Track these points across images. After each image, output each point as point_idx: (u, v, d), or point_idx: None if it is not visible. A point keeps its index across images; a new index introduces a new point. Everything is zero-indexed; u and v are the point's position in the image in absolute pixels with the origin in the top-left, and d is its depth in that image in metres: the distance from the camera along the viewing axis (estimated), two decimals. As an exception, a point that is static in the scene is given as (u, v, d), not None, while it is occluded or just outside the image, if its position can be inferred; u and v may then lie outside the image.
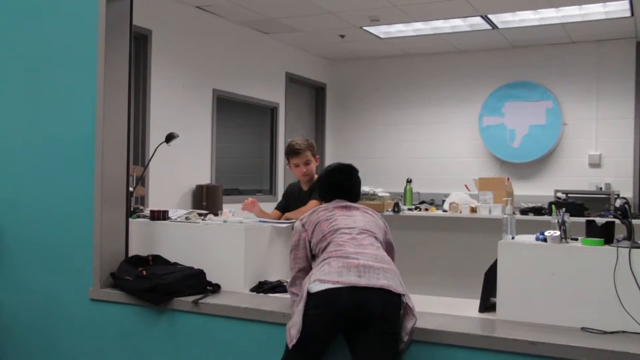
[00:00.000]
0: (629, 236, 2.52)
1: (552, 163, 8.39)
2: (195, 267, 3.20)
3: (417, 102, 9.18)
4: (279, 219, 4.01)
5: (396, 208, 5.85)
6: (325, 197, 2.89)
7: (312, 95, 9.57)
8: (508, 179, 6.33)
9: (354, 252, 2.52)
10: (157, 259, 3.31)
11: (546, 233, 2.63)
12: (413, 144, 9.19)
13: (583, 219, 2.82)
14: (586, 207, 5.33)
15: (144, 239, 3.46)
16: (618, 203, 2.67)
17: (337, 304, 2.41)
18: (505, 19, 7.31)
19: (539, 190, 8.13)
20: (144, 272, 3.11)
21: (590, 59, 8.16)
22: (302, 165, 3.92)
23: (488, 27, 7.57)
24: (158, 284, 3.02)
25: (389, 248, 2.76)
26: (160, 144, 4.30)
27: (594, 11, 6.88)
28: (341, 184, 2.86)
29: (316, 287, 2.44)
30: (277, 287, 3.18)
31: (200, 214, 3.62)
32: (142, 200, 5.95)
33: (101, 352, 3.28)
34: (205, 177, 7.13)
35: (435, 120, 9.04)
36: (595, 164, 8.15)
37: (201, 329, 2.97)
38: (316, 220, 2.71)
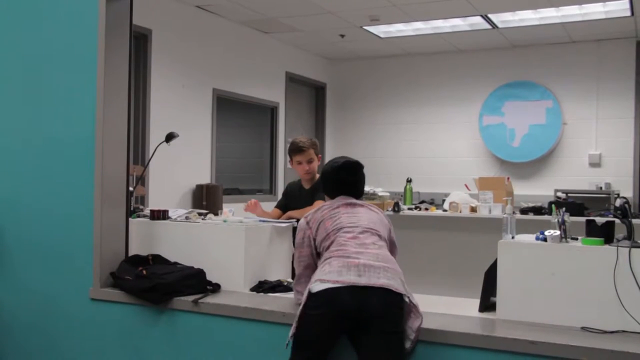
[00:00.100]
0: (629, 236, 2.52)
1: (552, 162, 8.39)
2: (195, 266, 3.20)
3: (417, 101, 9.19)
4: (279, 217, 4.02)
5: (396, 207, 5.85)
6: (330, 193, 2.87)
7: (312, 95, 9.57)
8: (508, 178, 6.33)
9: (355, 251, 2.52)
10: (157, 259, 3.31)
11: (546, 233, 2.63)
12: (413, 144, 9.19)
13: (583, 219, 2.82)
14: (586, 206, 5.33)
15: (144, 238, 3.46)
16: (618, 202, 2.67)
17: (337, 304, 2.41)
18: (505, 19, 7.31)
19: (539, 189, 8.13)
20: (144, 272, 3.11)
21: (590, 58, 8.16)
22: (305, 163, 3.95)
23: (488, 26, 7.57)
24: (158, 283, 3.02)
25: (391, 246, 2.75)
26: (160, 143, 4.30)
27: (594, 10, 6.88)
28: (346, 180, 2.84)
29: (317, 287, 2.44)
30: (277, 286, 3.18)
31: (200, 214, 3.62)
32: (142, 199, 5.95)
33: (101, 351, 3.28)
34: (205, 177, 7.13)
35: (435, 119, 9.04)
36: (595, 164, 8.15)
37: (201, 328, 2.97)
38: (320, 219, 2.70)
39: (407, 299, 2.45)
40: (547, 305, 2.57)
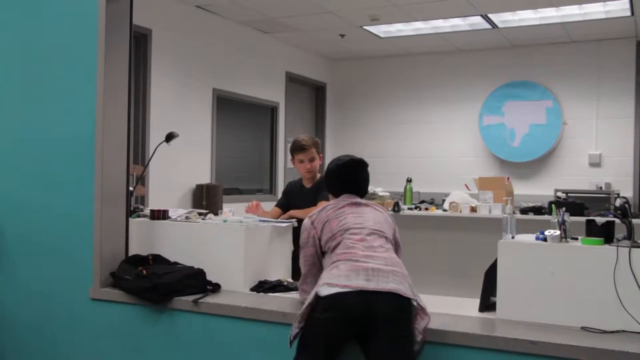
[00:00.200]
0: (629, 235, 2.52)
1: (552, 162, 8.39)
2: (195, 266, 3.20)
3: (417, 101, 9.18)
4: (279, 216, 4.03)
5: (396, 207, 5.85)
6: (334, 191, 2.87)
7: (312, 95, 9.56)
8: (508, 178, 6.34)
9: (364, 254, 2.50)
10: (157, 259, 3.31)
11: (546, 232, 2.63)
12: (413, 144, 9.19)
13: (583, 219, 2.82)
14: (586, 206, 5.34)
15: (144, 238, 3.46)
16: (618, 202, 2.67)
17: (345, 308, 2.39)
18: (505, 19, 7.31)
19: (539, 189, 8.13)
20: (144, 272, 3.11)
21: (590, 58, 8.16)
22: (307, 161, 3.97)
23: (488, 26, 7.57)
24: (158, 283, 3.02)
25: (396, 247, 2.74)
26: (160, 143, 4.30)
27: (594, 10, 6.88)
28: (350, 178, 2.83)
29: (325, 291, 2.42)
30: (277, 286, 3.18)
31: (200, 214, 3.62)
32: (142, 199, 5.95)
33: (101, 351, 3.29)
34: (205, 177, 7.13)
35: (435, 119, 9.04)
36: (596, 164, 8.15)
37: (201, 328, 2.97)
38: (325, 219, 2.69)
39: (415, 303, 2.44)
40: (547, 305, 2.57)
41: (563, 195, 6.09)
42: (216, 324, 2.93)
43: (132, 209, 3.65)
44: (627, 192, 7.79)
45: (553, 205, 2.92)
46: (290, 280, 3.31)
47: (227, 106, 7.57)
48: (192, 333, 2.99)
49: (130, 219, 3.46)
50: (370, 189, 5.86)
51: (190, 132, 6.69)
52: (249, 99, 7.92)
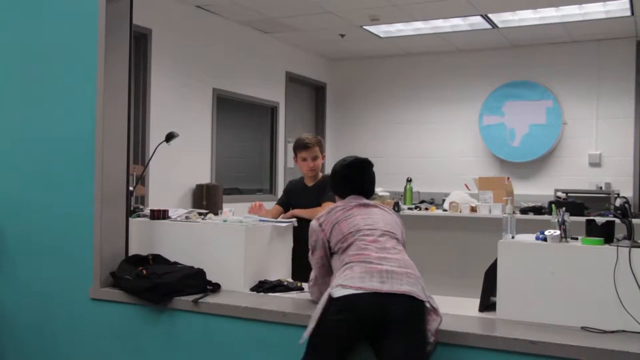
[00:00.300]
0: (629, 235, 2.52)
1: (552, 162, 8.39)
2: (195, 266, 3.20)
3: (417, 101, 9.18)
4: (280, 214, 4.04)
5: (396, 207, 5.86)
6: (339, 192, 2.86)
7: (312, 95, 9.56)
8: (508, 178, 6.34)
9: (377, 256, 2.49)
10: (157, 259, 3.31)
11: (546, 232, 2.63)
12: (413, 144, 9.19)
13: (583, 219, 2.82)
14: (586, 206, 5.34)
15: (144, 238, 3.46)
16: (618, 202, 2.67)
17: (359, 310, 2.38)
18: (505, 18, 7.31)
19: (539, 189, 8.13)
20: (144, 272, 3.11)
21: (591, 58, 8.16)
22: (310, 160, 3.98)
23: (488, 26, 7.57)
24: (158, 283, 3.01)
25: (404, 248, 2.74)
26: (160, 143, 4.30)
27: (594, 10, 6.88)
28: (355, 178, 2.83)
29: (338, 292, 2.41)
30: (277, 286, 3.18)
31: (200, 214, 3.62)
32: (142, 199, 5.95)
33: (101, 351, 3.29)
34: (205, 177, 7.13)
35: (435, 119, 9.04)
36: (596, 164, 8.15)
37: (201, 328, 2.97)
38: (334, 221, 2.67)
39: (428, 305, 2.43)
40: (547, 305, 2.57)
41: (563, 195, 6.09)
42: (216, 324, 2.93)
43: (132, 209, 3.65)
44: (627, 192, 7.79)
45: (553, 205, 2.93)
46: (290, 280, 3.31)
47: (227, 106, 7.57)
48: (192, 333, 2.99)
49: (130, 218, 3.46)
50: (371, 189, 5.85)
51: (190, 132, 6.69)
52: (249, 99, 7.92)
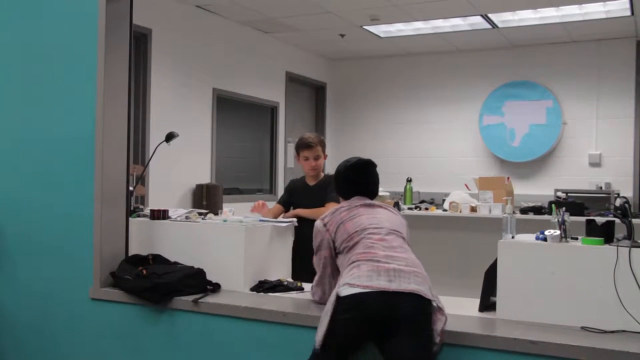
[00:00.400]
0: (629, 235, 2.52)
1: (552, 162, 8.39)
2: (196, 266, 3.20)
3: (417, 101, 9.18)
4: (281, 213, 4.04)
5: (396, 207, 5.85)
6: (343, 193, 2.86)
7: (312, 95, 9.56)
8: (508, 178, 6.34)
9: (384, 255, 2.49)
10: (157, 258, 3.31)
11: (546, 232, 2.63)
12: (413, 144, 9.19)
13: (583, 218, 2.82)
14: (586, 206, 5.34)
15: (144, 238, 3.46)
16: (618, 202, 2.67)
17: (366, 309, 2.37)
18: (505, 18, 7.31)
19: (539, 189, 8.13)
20: (144, 272, 3.11)
21: (591, 58, 8.16)
22: (312, 159, 3.98)
23: (488, 26, 7.57)
24: (158, 283, 3.01)
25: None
26: (160, 143, 4.30)
27: (594, 10, 6.88)
28: (358, 179, 2.83)
29: (345, 291, 2.40)
30: (277, 286, 3.17)
31: (200, 213, 3.62)
32: (142, 199, 5.95)
33: (101, 351, 3.29)
34: (205, 177, 7.13)
35: (435, 119, 9.04)
36: (596, 163, 8.15)
37: (201, 328, 2.97)
38: (339, 221, 2.67)
39: (434, 304, 2.43)
40: (547, 305, 2.57)
41: (563, 195, 6.09)
42: (216, 324, 2.93)
43: (132, 208, 3.65)
44: (627, 192, 7.79)
45: (553, 205, 2.93)
46: (290, 280, 3.31)
47: (227, 106, 7.57)
48: (192, 333, 2.99)
49: (130, 218, 3.46)
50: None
51: (190, 132, 6.69)
52: (249, 99, 7.92)
